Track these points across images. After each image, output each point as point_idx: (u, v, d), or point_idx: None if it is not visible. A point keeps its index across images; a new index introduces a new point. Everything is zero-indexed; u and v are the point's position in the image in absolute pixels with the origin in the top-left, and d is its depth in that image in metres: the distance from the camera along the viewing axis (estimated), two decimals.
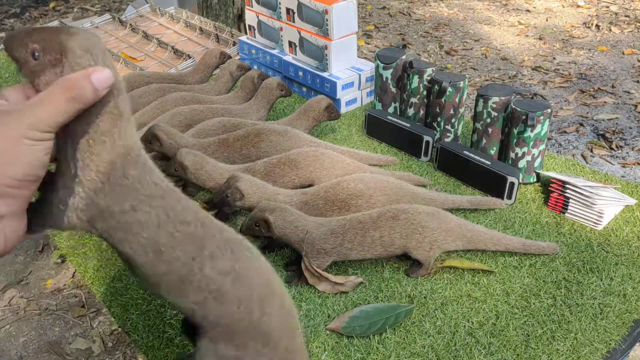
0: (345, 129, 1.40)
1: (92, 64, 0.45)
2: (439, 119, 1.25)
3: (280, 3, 1.49)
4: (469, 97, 2.80)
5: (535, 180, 1.17)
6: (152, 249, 0.49)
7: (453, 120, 1.25)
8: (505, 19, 4.02)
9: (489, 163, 1.11)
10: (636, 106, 2.77)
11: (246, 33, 1.69)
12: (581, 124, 2.64)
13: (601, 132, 2.57)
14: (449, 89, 1.20)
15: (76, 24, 2.09)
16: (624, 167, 2.33)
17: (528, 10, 4.16)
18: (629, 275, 0.93)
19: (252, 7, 1.59)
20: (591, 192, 1.03)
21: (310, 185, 1.09)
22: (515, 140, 1.13)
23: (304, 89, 1.56)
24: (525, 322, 0.85)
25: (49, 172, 0.48)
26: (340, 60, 1.45)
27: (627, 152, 2.43)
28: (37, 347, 1.65)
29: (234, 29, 2.57)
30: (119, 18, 2.10)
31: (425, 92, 1.30)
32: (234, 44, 1.85)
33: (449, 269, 0.95)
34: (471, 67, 3.29)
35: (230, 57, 1.53)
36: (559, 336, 0.82)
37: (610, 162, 2.36)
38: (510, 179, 1.07)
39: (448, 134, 1.27)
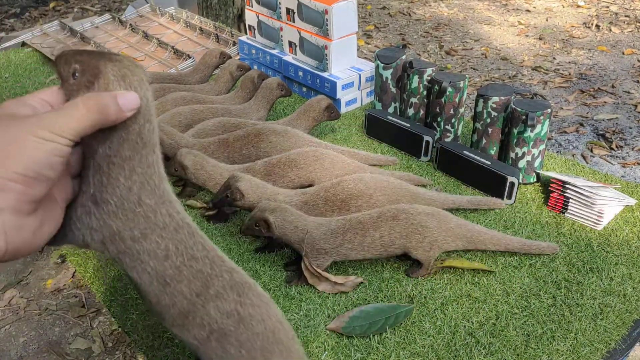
0: (345, 129, 1.40)
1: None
2: (439, 119, 1.25)
3: (280, 3, 1.49)
4: (469, 97, 2.80)
5: (535, 180, 1.17)
6: (157, 280, 0.49)
7: (453, 120, 1.25)
8: (505, 19, 4.02)
9: (489, 163, 1.11)
10: (636, 106, 2.77)
11: (246, 33, 1.69)
12: (581, 124, 2.64)
13: (601, 132, 2.57)
14: (449, 89, 1.20)
15: (76, 24, 2.09)
16: (624, 167, 2.33)
17: (528, 10, 4.16)
18: (629, 275, 0.93)
19: (252, 7, 1.59)
20: (591, 192, 1.03)
21: (310, 185, 1.09)
22: (515, 140, 1.13)
23: (304, 89, 1.56)
24: (525, 322, 0.85)
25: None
26: (340, 60, 1.45)
27: (627, 152, 2.43)
28: (37, 347, 1.65)
29: (234, 29, 2.57)
30: (119, 18, 2.10)
31: (425, 92, 1.30)
32: (234, 44, 1.85)
33: (449, 269, 0.95)
34: (471, 67, 3.29)
35: (230, 57, 1.53)
36: (559, 336, 0.82)
37: (610, 162, 2.36)
38: (510, 179, 1.07)
39: (448, 134, 1.27)
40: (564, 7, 4.20)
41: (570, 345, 0.81)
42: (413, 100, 1.31)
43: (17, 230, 0.43)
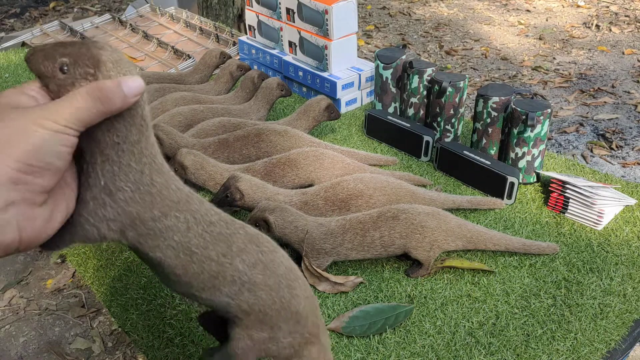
0: (345, 129, 1.40)
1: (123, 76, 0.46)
2: (439, 119, 1.25)
3: (280, 3, 1.49)
4: (469, 97, 2.80)
5: (535, 180, 1.17)
6: (184, 252, 0.51)
7: (453, 120, 1.25)
8: (505, 19, 4.02)
9: (489, 163, 1.11)
10: (636, 106, 2.77)
11: (246, 33, 1.69)
12: (581, 124, 2.64)
13: (601, 132, 2.57)
14: (449, 89, 1.20)
15: (76, 24, 2.09)
16: (624, 167, 2.33)
17: (528, 10, 4.16)
18: (629, 275, 0.93)
19: (252, 7, 1.59)
20: (591, 192, 1.03)
21: (310, 185, 1.09)
22: (515, 140, 1.13)
23: (304, 89, 1.56)
24: (525, 322, 0.85)
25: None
26: (340, 60, 1.45)
27: (627, 152, 2.43)
28: (37, 347, 1.65)
29: (234, 29, 2.57)
30: (119, 18, 2.10)
31: (425, 92, 1.30)
32: (234, 44, 1.85)
33: (449, 269, 0.95)
34: (471, 67, 3.29)
35: (230, 57, 1.53)
36: (559, 336, 0.82)
37: (610, 162, 2.36)
38: (510, 179, 1.07)
39: (448, 134, 1.27)
40: (564, 7, 4.20)
41: (570, 345, 0.81)
42: (413, 100, 1.31)
43: (30, 222, 0.43)
